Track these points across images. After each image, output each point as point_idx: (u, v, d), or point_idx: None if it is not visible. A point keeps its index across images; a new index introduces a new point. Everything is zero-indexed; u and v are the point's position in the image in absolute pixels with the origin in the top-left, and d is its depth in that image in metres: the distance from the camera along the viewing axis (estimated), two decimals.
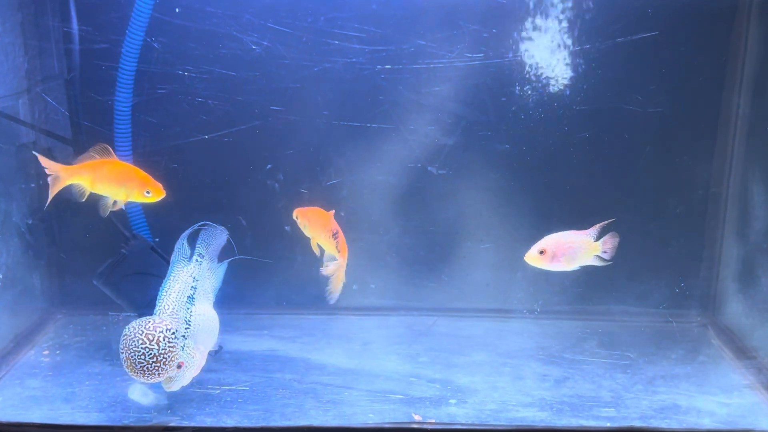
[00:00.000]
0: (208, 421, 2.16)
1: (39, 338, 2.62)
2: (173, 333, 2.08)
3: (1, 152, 2.48)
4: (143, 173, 2.29)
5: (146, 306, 2.44)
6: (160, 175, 2.63)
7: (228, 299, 2.52)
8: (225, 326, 2.60)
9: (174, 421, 2.13)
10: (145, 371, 2.03)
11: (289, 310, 2.83)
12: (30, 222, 2.62)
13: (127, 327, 2.08)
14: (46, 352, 2.54)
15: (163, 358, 2.04)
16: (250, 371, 2.42)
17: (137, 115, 2.56)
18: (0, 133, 2.48)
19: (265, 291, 2.83)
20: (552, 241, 2.24)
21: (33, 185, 2.63)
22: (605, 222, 2.28)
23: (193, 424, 2.14)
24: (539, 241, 2.25)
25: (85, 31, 2.49)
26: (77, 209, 2.67)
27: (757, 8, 2.55)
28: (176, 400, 2.24)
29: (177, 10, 2.49)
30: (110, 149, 2.27)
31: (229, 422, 2.14)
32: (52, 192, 2.28)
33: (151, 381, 2.05)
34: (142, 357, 2.02)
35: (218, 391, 2.30)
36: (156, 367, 2.03)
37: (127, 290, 2.48)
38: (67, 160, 2.32)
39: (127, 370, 2.05)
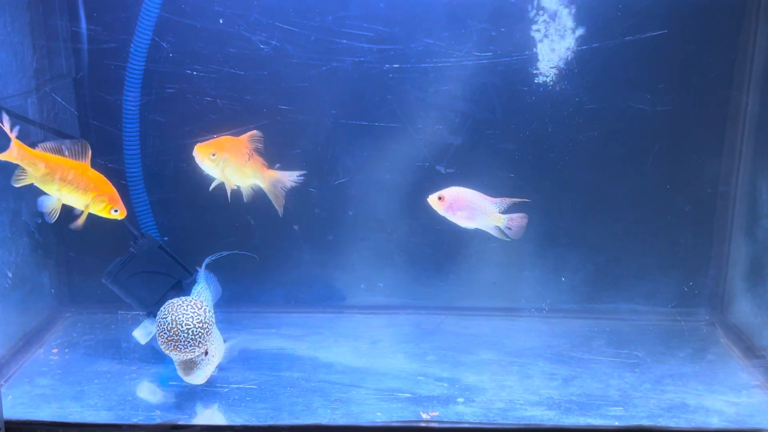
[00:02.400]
0: (217, 420, 2.16)
1: (48, 337, 2.63)
2: (212, 312, 2.16)
3: None
4: (109, 190, 2.24)
5: (155, 305, 2.45)
6: (169, 175, 2.66)
7: (236, 298, 2.53)
8: (233, 325, 2.61)
9: (182, 420, 2.14)
10: (188, 335, 2.06)
11: (297, 308, 2.84)
12: (39, 221, 2.63)
13: (168, 302, 2.14)
14: (55, 351, 2.54)
15: (207, 328, 2.10)
16: (258, 369, 2.42)
17: (146, 115, 2.57)
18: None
19: (272, 289, 2.83)
20: (454, 192, 2.27)
21: None
22: (518, 200, 2.28)
23: (201, 422, 2.14)
24: (446, 188, 2.29)
25: (94, 31, 2.50)
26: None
27: (766, 6, 2.54)
28: (184, 399, 2.25)
29: (221, 21, 2.51)
30: (88, 150, 2.20)
31: (238, 420, 2.15)
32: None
33: (189, 351, 2.08)
34: (190, 320, 2.07)
35: (226, 390, 2.30)
36: (200, 334, 2.08)
37: (136, 289, 2.47)
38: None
39: (168, 336, 2.06)
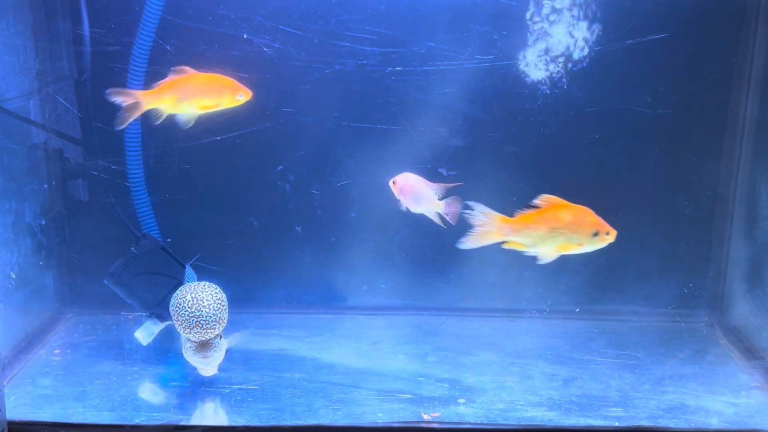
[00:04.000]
0: (219, 420, 2.17)
1: (50, 337, 2.63)
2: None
3: (13, 153, 2.49)
4: (230, 79, 2.28)
5: (157, 305, 2.46)
6: (172, 176, 2.66)
7: (238, 299, 2.52)
8: (235, 326, 2.60)
9: (184, 420, 2.14)
10: (210, 311, 2.14)
11: (299, 309, 2.84)
12: (43, 222, 2.63)
13: (181, 287, 2.22)
14: (57, 351, 2.54)
15: (225, 306, 2.20)
16: (260, 370, 2.43)
17: (149, 117, 2.57)
18: (12, 133, 2.49)
19: (274, 290, 2.83)
20: (404, 178, 2.33)
21: (45, 186, 2.64)
22: (451, 185, 2.29)
23: (203, 423, 2.14)
24: (402, 173, 2.33)
25: (97, 34, 2.50)
26: (88, 210, 2.70)
27: (765, 9, 2.54)
28: (186, 399, 2.26)
29: (245, 35, 2.52)
30: (187, 68, 2.25)
31: (240, 421, 2.15)
32: (128, 118, 2.24)
33: (211, 328, 2.14)
34: (210, 297, 2.17)
35: (228, 390, 2.30)
36: (220, 310, 2.17)
37: (138, 290, 2.48)
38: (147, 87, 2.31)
39: (190, 313, 2.13)
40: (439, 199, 2.28)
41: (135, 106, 2.24)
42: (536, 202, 2.12)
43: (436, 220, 2.31)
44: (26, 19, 2.52)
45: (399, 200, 2.34)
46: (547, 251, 2.13)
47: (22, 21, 2.50)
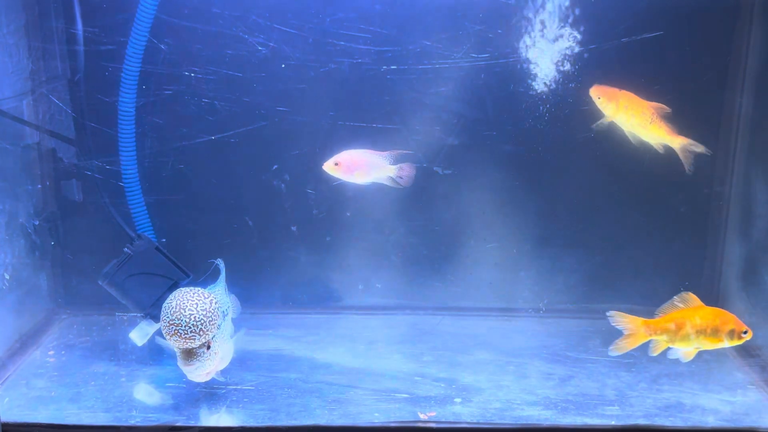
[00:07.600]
0: (214, 421, 2.16)
1: (44, 338, 2.62)
2: (218, 304, 2.16)
3: (6, 153, 2.49)
4: (730, 315, 2.28)
5: (151, 306, 2.45)
6: (167, 176, 2.66)
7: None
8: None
9: (180, 421, 2.14)
10: (189, 321, 2.05)
11: (295, 309, 2.84)
12: (36, 223, 2.63)
13: (178, 290, 2.16)
14: (52, 353, 2.54)
15: (211, 318, 2.09)
16: (256, 371, 2.43)
17: (144, 116, 2.57)
18: (5, 134, 2.48)
19: (270, 290, 2.83)
20: (348, 155, 2.40)
21: (39, 186, 2.64)
22: (404, 151, 2.43)
23: (199, 423, 2.14)
24: (338, 154, 2.41)
25: (91, 33, 2.49)
26: (83, 210, 2.69)
27: (759, 8, 2.55)
28: (182, 400, 2.25)
29: (283, 65, 2.53)
30: (693, 297, 2.28)
31: (236, 422, 2.15)
32: (627, 346, 2.25)
33: (190, 339, 2.06)
34: (195, 307, 2.07)
35: (224, 391, 2.30)
36: (202, 322, 2.07)
37: (132, 290, 2.47)
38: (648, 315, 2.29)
39: (170, 320, 2.06)
40: (390, 164, 2.43)
41: (635, 335, 2.24)
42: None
43: (389, 184, 2.41)
44: (19, 18, 2.51)
45: (343, 179, 2.42)
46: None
47: (15, 20, 2.49)
